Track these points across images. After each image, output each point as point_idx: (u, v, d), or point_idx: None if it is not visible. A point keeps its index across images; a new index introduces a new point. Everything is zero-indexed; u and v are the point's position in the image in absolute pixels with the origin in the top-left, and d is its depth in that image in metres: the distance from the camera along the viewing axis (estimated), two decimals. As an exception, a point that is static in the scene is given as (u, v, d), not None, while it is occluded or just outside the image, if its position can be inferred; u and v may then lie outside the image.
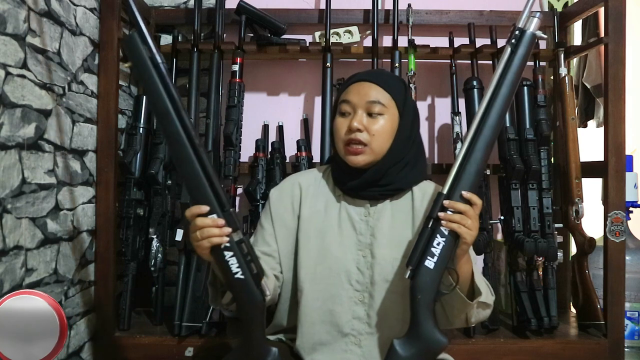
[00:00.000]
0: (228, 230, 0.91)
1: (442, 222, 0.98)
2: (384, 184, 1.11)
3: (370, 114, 1.08)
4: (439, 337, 0.98)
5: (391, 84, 1.11)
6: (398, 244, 1.09)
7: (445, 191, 1.00)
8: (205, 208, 0.91)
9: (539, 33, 1.02)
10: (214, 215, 0.91)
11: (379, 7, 1.74)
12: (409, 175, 1.12)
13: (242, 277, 0.92)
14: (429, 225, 1.00)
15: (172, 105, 0.89)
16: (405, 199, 1.14)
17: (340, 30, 1.80)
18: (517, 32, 1.01)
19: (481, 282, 1.06)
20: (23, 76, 1.19)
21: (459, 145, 1.67)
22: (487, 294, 1.06)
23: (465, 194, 0.98)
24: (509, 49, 1.01)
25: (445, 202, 0.98)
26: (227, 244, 0.91)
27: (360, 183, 1.10)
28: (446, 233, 0.98)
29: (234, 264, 0.92)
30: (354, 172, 1.11)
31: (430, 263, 0.98)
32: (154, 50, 0.89)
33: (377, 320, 1.09)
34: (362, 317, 1.09)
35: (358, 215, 1.13)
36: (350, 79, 1.14)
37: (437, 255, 0.98)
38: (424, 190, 1.14)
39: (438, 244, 0.98)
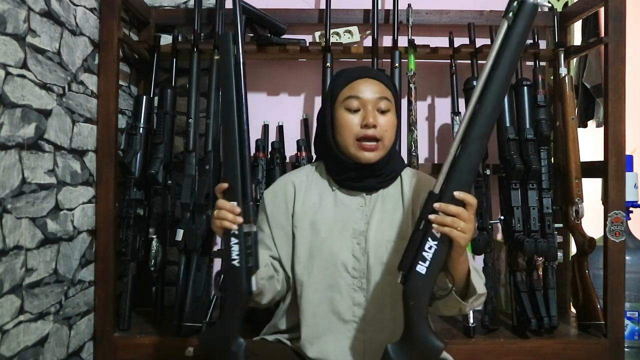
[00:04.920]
0: (240, 219, 0.98)
1: (433, 225, 0.91)
2: (381, 174, 1.12)
3: (380, 110, 1.09)
4: (435, 342, 0.93)
5: (390, 81, 1.15)
6: (389, 226, 1.11)
7: (436, 191, 0.92)
8: (225, 185, 0.99)
9: (541, 1, 0.87)
10: (235, 203, 0.99)
11: (379, 7, 1.74)
12: (397, 163, 1.17)
13: (237, 265, 0.98)
14: (420, 227, 0.92)
15: (237, 99, 1.00)
16: (395, 185, 1.16)
17: (340, 30, 1.80)
18: (515, 4, 0.87)
19: (476, 278, 1.02)
20: (23, 76, 1.19)
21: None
22: (480, 287, 1.02)
23: (457, 194, 0.90)
24: (505, 24, 0.87)
25: (436, 205, 0.91)
26: (236, 232, 0.98)
27: (360, 174, 1.11)
28: (438, 236, 0.91)
29: (234, 250, 0.98)
30: (355, 167, 1.11)
31: (422, 268, 0.91)
32: (241, 51, 1.01)
33: (377, 304, 1.09)
34: (361, 303, 1.09)
35: (355, 205, 1.14)
36: (350, 75, 1.12)
37: (429, 260, 0.91)
38: (411, 177, 1.16)
39: (430, 248, 0.91)
